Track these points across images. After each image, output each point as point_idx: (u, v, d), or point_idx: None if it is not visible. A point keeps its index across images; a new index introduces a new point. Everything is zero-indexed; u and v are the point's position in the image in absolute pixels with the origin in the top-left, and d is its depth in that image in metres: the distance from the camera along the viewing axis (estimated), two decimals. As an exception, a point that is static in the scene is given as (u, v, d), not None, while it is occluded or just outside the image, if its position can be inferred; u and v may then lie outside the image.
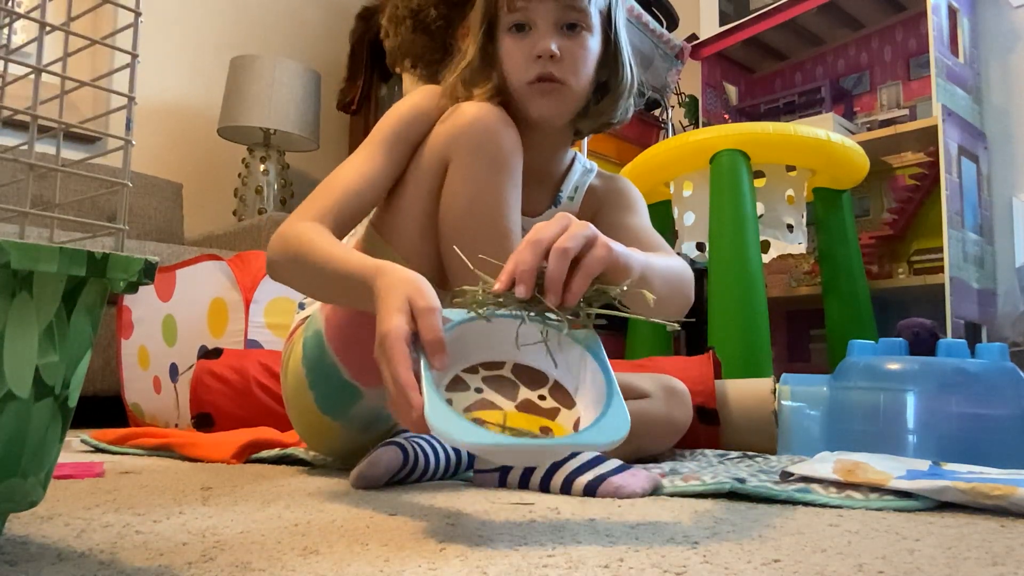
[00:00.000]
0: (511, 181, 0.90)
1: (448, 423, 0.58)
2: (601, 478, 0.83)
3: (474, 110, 0.89)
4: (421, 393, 0.60)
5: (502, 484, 0.89)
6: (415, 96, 0.95)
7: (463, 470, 0.98)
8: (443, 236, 0.89)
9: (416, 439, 0.94)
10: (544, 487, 0.86)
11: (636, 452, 1.08)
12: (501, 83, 0.95)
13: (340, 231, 0.85)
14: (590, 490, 0.83)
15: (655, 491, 0.84)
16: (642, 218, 1.05)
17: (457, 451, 0.97)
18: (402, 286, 0.66)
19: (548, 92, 0.92)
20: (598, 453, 0.87)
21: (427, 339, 0.63)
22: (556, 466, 0.85)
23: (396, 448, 0.88)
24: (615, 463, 0.85)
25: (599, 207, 1.06)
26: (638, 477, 0.83)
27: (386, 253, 0.88)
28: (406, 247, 0.91)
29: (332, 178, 0.89)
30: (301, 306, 1.04)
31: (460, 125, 0.88)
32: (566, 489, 0.85)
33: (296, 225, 0.83)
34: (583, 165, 1.08)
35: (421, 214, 0.90)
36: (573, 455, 0.86)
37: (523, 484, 0.88)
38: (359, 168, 0.89)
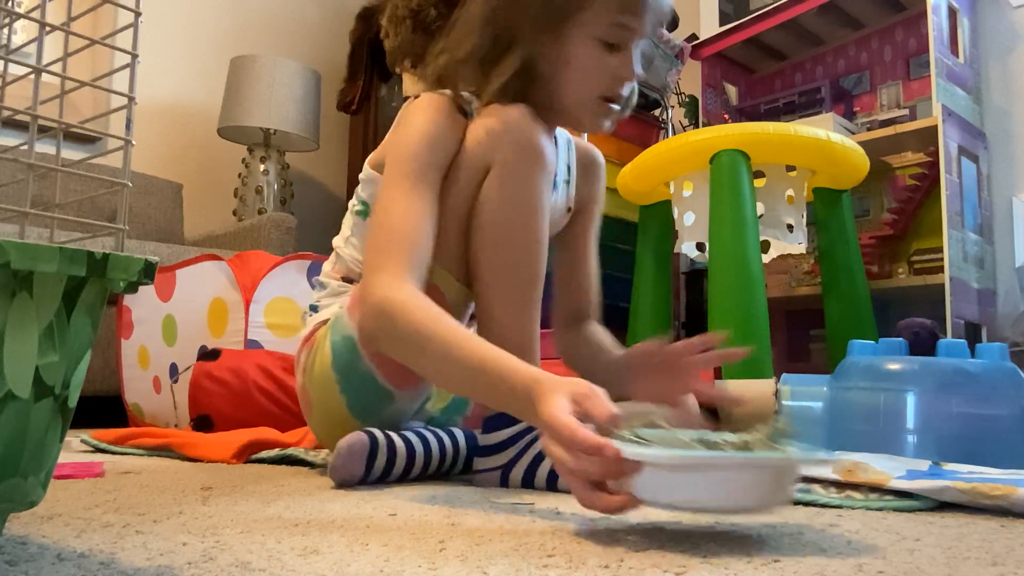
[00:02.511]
0: (548, 187, 0.90)
1: (653, 449, 0.56)
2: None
3: (515, 114, 0.87)
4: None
5: (504, 484, 0.89)
6: (429, 113, 0.90)
7: (459, 468, 0.98)
8: (475, 239, 0.88)
9: (406, 429, 0.94)
10: (551, 483, 0.86)
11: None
12: (526, 78, 0.90)
13: (422, 286, 0.81)
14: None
15: None
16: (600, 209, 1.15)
17: (453, 442, 0.97)
18: (565, 384, 0.63)
19: (609, 113, 0.93)
20: None
21: (602, 416, 0.59)
22: None
23: (359, 434, 0.88)
24: None
25: (582, 176, 1.12)
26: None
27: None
28: (446, 257, 0.89)
29: (391, 225, 0.83)
30: (313, 308, 1.03)
31: (502, 130, 0.86)
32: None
33: (391, 294, 0.78)
34: (565, 139, 1.09)
35: (462, 220, 0.89)
36: None
37: (526, 483, 0.88)
38: (413, 210, 0.84)
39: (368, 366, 0.92)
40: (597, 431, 0.58)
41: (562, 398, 0.61)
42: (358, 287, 0.95)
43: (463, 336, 0.74)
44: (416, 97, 0.96)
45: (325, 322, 0.98)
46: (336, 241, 1.06)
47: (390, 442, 0.90)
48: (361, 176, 1.04)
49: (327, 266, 1.06)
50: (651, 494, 0.56)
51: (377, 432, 0.89)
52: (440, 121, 0.89)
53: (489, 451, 0.89)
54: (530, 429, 0.88)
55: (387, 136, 1.00)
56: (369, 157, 1.03)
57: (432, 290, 0.88)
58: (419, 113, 0.91)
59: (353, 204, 1.05)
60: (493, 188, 0.87)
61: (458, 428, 1.02)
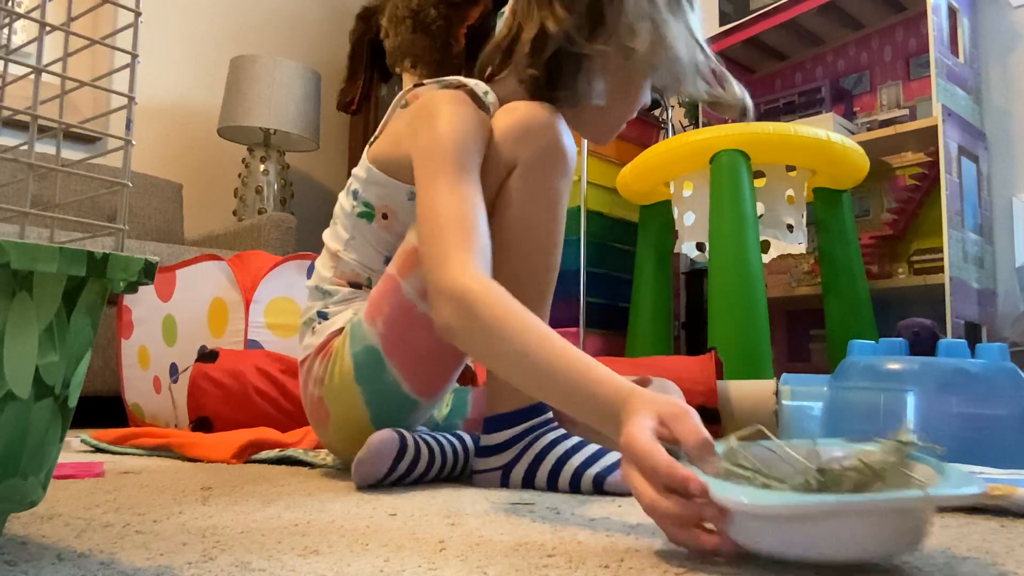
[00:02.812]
0: (568, 189, 0.90)
1: (747, 490, 0.49)
2: (609, 469, 0.84)
3: (544, 114, 0.86)
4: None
5: (504, 484, 0.89)
6: (457, 107, 0.87)
7: (467, 472, 0.98)
8: (495, 236, 0.84)
9: (418, 433, 0.94)
10: (551, 484, 0.86)
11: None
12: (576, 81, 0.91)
13: (490, 275, 0.77)
14: (599, 482, 0.83)
15: None
16: None
17: (463, 445, 0.97)
18: (654, 402, 0.58)
19: (617, 133, 1.00)
20: (603, 447, 0.87)
21: (691, 442, 0.54)
22: (564, 460, 0.85)
23: (390, 432, 0.87)
24: (618, 455, 0.85)
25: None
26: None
27: None
28: None
29: (445, 216, 0.78)
30: (322, 315, 0.99)
31: (530, 130, 0.86)
32: (575, 484, 0.84)
33: (469, 283, 0.73)
34: None
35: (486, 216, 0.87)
36: (576, 448, 0.86)
37: (527, 483, 0.87)
38: (464, 199, 0.80)
39: (394, 376, 0.90)
40: (688, 459, 0.53)
41: (647, 417, 0.56)
42: (377, 292, 0.92)
43: (549, 333, 0.69)
44: (413, 89, 0.95)
45: (340, 331, 0.95)
46: (332, 244, 1.01)
47: (417, 444, 0.90)
48: (359, 174, 0.99)
49: (326, 272, 1.00)
50: (751, 539, 0.49)
51: (406, 432, 0.89)
52: (471, 115, 0.87)
53: (490, 451, 0.89)
54: (531, 430, 0.88)
55: (387, 131, 0.98)
56: (369, 154, 0.99)
57: None
58: (446, 107, 0.87)
59: (353, 206, 0.99)
60: (516, 186, 0.87)
61: (461, 432, 1.01)
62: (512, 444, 0.88)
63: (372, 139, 1.01)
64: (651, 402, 0.58)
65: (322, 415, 0.96)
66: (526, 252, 0.87)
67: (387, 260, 0.97)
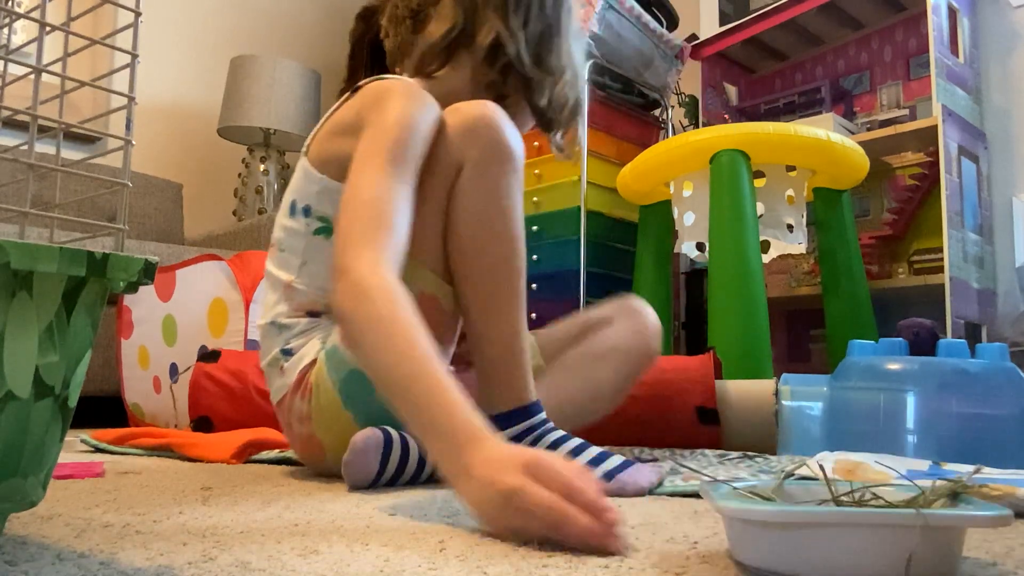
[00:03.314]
0: (520, 185, 0.89)
1: (744, 501, 0.50)
2: (609, 475, 0.83)
3: (485, 111, 0.86)
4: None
5: None
6: (407, 99, 0.88)
7: None
8: (451, 240, 0.87)
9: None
10: None
11: (596, 389, 1.05)
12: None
13: (400, 274, 0.77)
14: (607, 478, 0.82)
15: (660, 485, 0.84)
16: None
17: None
18: (518, 455, 0.59)
19: None
20: (605, 449, 0.87)
21: (589, 501, 0.55)
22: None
23: (373, 430, 0.86)
24: (620, 459, 0.85)
25: None
26: (643, 472, 0.84)
27: (416, 270, 0.85)
28: (426, 254, 0.88)
29: (370, 204, 0.79)
30: (287, 352, 0.95)
31: (472, 128, 0.86)
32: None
33: (379, 274, 0.73)
34: None
35: (440, 221, 0.88)
36: (582, 448, 0.85)
37: None
38: (392, 192, 0.80)
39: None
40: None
41: (520, 474, 0.57)
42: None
43: (426, 348, 0.68)
44: (372, 81, 0.94)
45: (313, 363, 0.92)
46: (282, 275, 0.96)
47: (404, 441, 0.88)
48: (308, 189, 0.95)
49: (280, 306, 0.96)
50: (746, 553, 0.49)
51: (390, 429, 0.88)
52: (419, 108, 0.87)
53: None
54: (531, 429, 0.87)
55: (331, 127, 0.96)
56: (314, 163, 0.96)
57: (429, 300, 0.86)
58: (397, 97, 0.87)
59: (307, 225, 0.94)
60: (464, 187, 0.86)
61: None
62: (514, 443, 0.87)
63: (306, 147, 0.98)
64: (518, 453, 0.59)
65: (316, 449, 0.94)
66: (480, 251, 0.87)
67: None
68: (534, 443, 0.86)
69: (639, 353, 1.09)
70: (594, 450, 0.86)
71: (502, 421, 0.87)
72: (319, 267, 0.95)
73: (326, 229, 0.94)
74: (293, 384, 0.93)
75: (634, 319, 1.10)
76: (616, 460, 0.84)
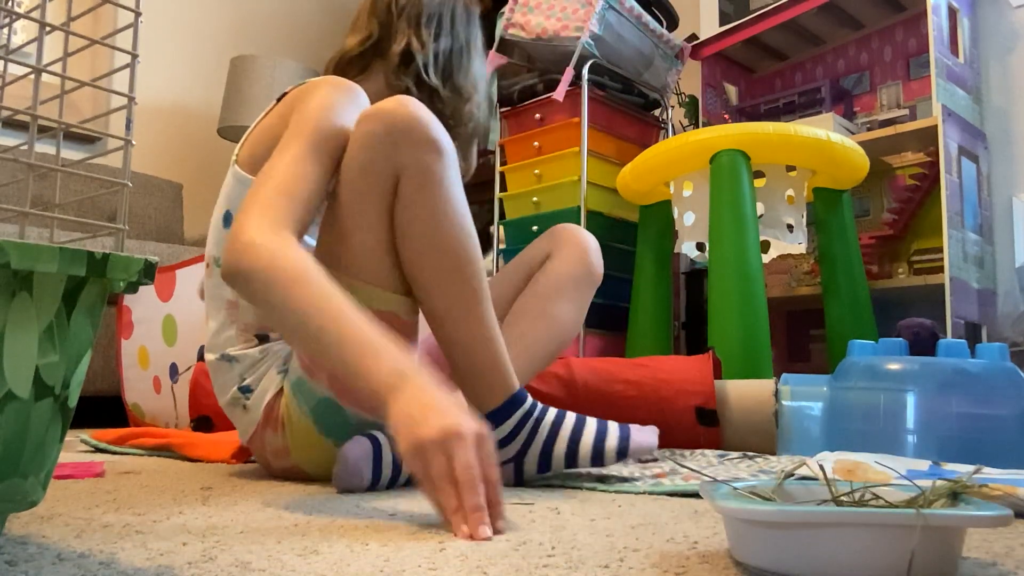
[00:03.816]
0: (459, 176, 0.87)
1: (743, 501, 0.50)
2: (624, 439, 0.86)
3: (402, 111, 0.81)
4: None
5: (518, 475, 0.89)
6: (333, 90, 0.89)
7: None
8: (407, 248, 0.84)
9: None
10: (570, 460, 0.87)
11: (559, 327, 1.06)
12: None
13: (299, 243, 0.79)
14: (623, 451, 0.86)
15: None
16: None
17: None
18: (436, 420, 0.64)
19: None
20: (602, 419, 0.91)
21: (470, 504, 0.61)
22: (576, 437, 0.87)
23: (362, 439, 0.86)
24: (617, 425, 0.89)
25: None
26: (645, 432, 0.88)
27: (356, 289, 0.82)
28: (382, 276, 0.86)
29: (280, 178, 0.80)
30: (245, 390, 0.94)
31: (398, 132, 0.82)
32: (597, 455, 0.86)
33: (271, 236, 0.75)
34: None
35: (386, 232, 0.85)
36: (582, 423, 0.89)
37: (542, 467, 0.88)
38: (304, 170, 0.82)
39: (355, 414, 0.89)
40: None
41: (467, 418, 0.65)
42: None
43: (341, 301, 0.71)
44: (299, 86, 0.96)
45: (278, 394, 0.92)
46: (223, 292, 0.95)
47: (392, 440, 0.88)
48: (237, 185, 0.95)
49: (225, 331, 0.95)
50: (745, 552, 0.50)
51: (378, 434, 0.88)
52: (344, 100, 0.89)
53: (497, 446, 0.85)
54: (528, 415, 0.87)
55: (257, 132, 0.96)
56: (241, 161, 0.96)
57: (386, 316, 0.84)
58: (324, 89, 0.90)
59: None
60: (409, 198, 0.83)
61: None
62: (516, 434, 0.88)
63: (235, 155, 0.98)
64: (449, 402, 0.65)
65: (301, 478, 0.95)
66: (442, 255, 0.84)
67: None
68: (537, 426, 0.87)
69: (587, 280, 1.10)
70: (593, 421, 0.89)
71: (495, 417, 0.87)
72: None
73: None
74: (261, 420, 0.93)
75: (572, 247, 1.09)
76: (615, 426, 0.88)
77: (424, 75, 1.01)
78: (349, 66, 1.05)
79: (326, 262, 0.81)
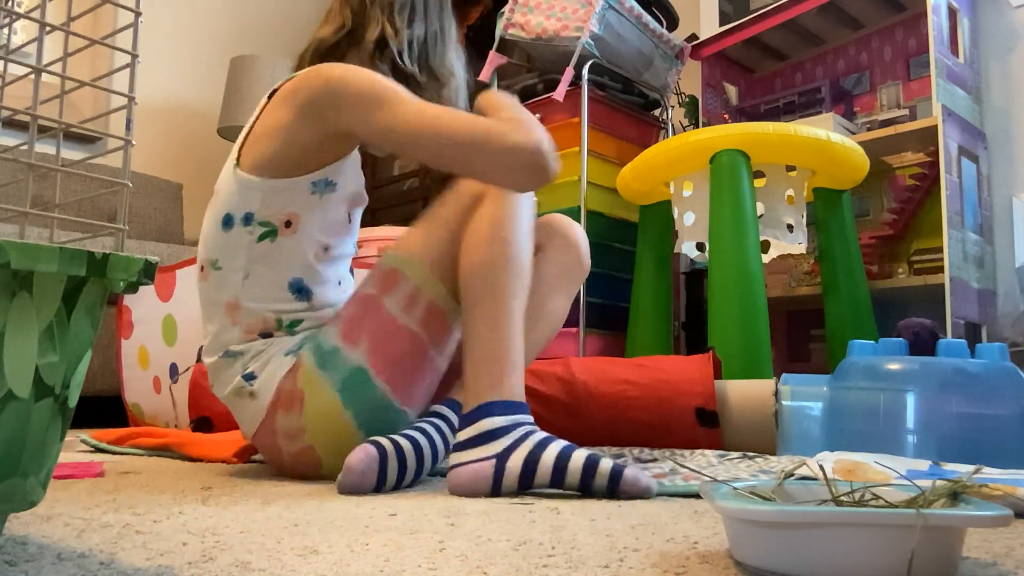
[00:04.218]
0: (532, 206, 0.98)
1: (742, 501, 0.50)
2: (620, 465, 0.82)
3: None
4: None
5: (499, 474, 0.83)
6: (365, 70, 0.96)
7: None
8: (465, 264, 0.93)
9: (427, 421, 0.94)
10: (557, 477, 0.82)
11: (555, 319, 1.08)
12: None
13: None
14: (616, 473, 0.81)
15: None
16: None
17: (448, 424, 0.96)
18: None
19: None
20: (593, 451, 0.87)
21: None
22: (567, 455, 0.83)
23: (368, 446, 0.86)
24: (610, 460, 0.85)
25: None
26: (645, 474, 0.84)
27: (434, 282, 0.93)
28: (446, 276, 0.94)
29: (455, 113, 0.91)
30: (250, 377, 0.94)
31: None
32: (588, 473, 0.81)
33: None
34: None
35: (457, 239, 0.94)
36: (572, 448, 0.84)
37: (525, 476, 0.82)
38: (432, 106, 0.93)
39: (383, 391, 0.92)
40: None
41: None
42: (352, 315, 0.94)
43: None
44: (286, 82, 1.01)
45: (289, 375, 0.92)
46: (224, 296, 0.95)
47: (398, 447, 0.88)
48: (248, 195, 0.95)
49: (229, 333, 0.95)
50: (745, 552, 0.50)
51: (382, 440, 0.88)
52: (359, 70, 0.95)
53: (476, 442, 0.84)
54: (519, 424, 0.85)
55: (263, 129, 0.97)
56: (245, 165, 0.97)
57: (437, 312, 0.93)
58: (338, 66, 0.96)
59: (249, 233, 0.94)
60: (482, 215, 0.93)
61: (437, 408, 0.98)
62: (503, 433, 0.84)
63: (235, 160, 0.99)
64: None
65: (312, 462, 0.95)
66: (486, 281, 0.91)
67: (294, 285, 0.95)
68: (526, 436, 0.84)
69: (577, 270, 1.12)
70: (585, 450, 0.85)
71: (487, 409, 0.85)
72: (264, 277, 0.95)
73: (270, 232, 0.95)
74: (272, 402, 0.93)
75: (562, 238, 1.11)
76: (608, 461, 0.83)
77: (399, 61, 1.03)
78: (326, 56, 1.06)
79: (406, 237, 0.96)
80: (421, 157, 0.93)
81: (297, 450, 0.94)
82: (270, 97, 1.00)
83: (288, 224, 0.95)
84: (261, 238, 0.95)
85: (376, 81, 0.92)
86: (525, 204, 0.96)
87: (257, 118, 1.00)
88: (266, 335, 0.95)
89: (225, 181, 0.99)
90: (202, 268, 0.98)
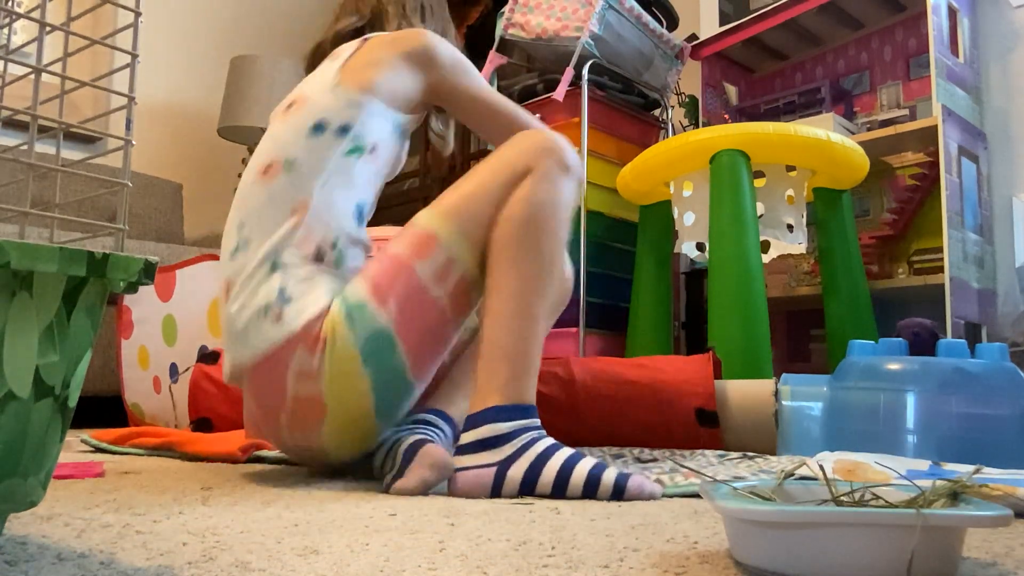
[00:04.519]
0: (571, 203, 0.97)
1: (742, 501, 0.50)
2: (624, 475, 0.81)
3: (560, 138, 0.96)
4: None
5: (498, 484, 0.82)
6: (439, 39, 1.05)
7: None
8: (498, 232, 0.91)
9: (424, 429, 0.94)
10: (558, 488, 0.81)
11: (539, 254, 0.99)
12: None
13: None
14: (620, 484, 0.81)
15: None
16: None
17: (452, 428, 0.97)
18: None
19: None
20: (599, 460, 0.86)
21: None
22: (571, 464, 0.82)
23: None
24: (615, 468, 0.84)
25: None
26: (649, 482, 0.83)
27: (466, 248, 0.92)
28: (478, 242, 0.92)
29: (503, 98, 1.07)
30: (285, 298, 0.89)
31: (555, 145, 0.95)
32: (592, 485, 0.81)
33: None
34: None
35: (496, 209, 0.92)
36: (578, 456, 0.83)
37: (527, 485, 0.82)
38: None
39: (402, 359, 0.89)
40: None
41: None
42: (383, 274, 0.90)
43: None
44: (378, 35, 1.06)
45: (320, 317, 0.88)
46: (294, 196, 0.93)
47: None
48: (352, 106, 0.97)
49: (283, 239, 0.92)
50: (745, 551, 0.50)
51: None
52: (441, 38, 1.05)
53: (478, 447, 0.84)
54: (525, 430, 0.85)
55: (363, 61, 1.00)
56: (349, 83, 0.98)
57: (465, 285, 0.91)
58: (434, 38, 1.03)
59: (338, 143, 0.95)
60: (524, 193, 0.91)
61: (427, 416, 0.98)
62: (507, 440, 0.83)
63: (337, 78, 0.99)
64: None
65: (315, 413, 0.89)
66: (516, 257, 0.92)
67: (359, 209, 0.96)
68: (531, 444, 0.83)
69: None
70: (592, 458, 0.84)
71: (494, 414, 0.84)
72: (339, 190, 0.95)
73: (359, 151, 0.97)
74: (297, 334, 0.88)
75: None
76: (612, 471, 0.82)
77: None
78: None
79: (444, 202, 0.94)
80: (483, 123, 1.06)
81: (305, 394, 0.88)
82: (364, 41, 1.05)
83: (373, 150, 0.98)
84: (349, 152, 0.96)
85: (459, 53, 1.04)
86: (568, 191, 0.94)
87: (357, 53, 1.03)
88: (318, 257, 0.92)
89: (320, 93, 0.99)
90: (270, 167, 0.96)
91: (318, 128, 0.96)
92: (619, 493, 0.81)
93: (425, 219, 0.93)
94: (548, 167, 0.92)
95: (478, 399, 0.87)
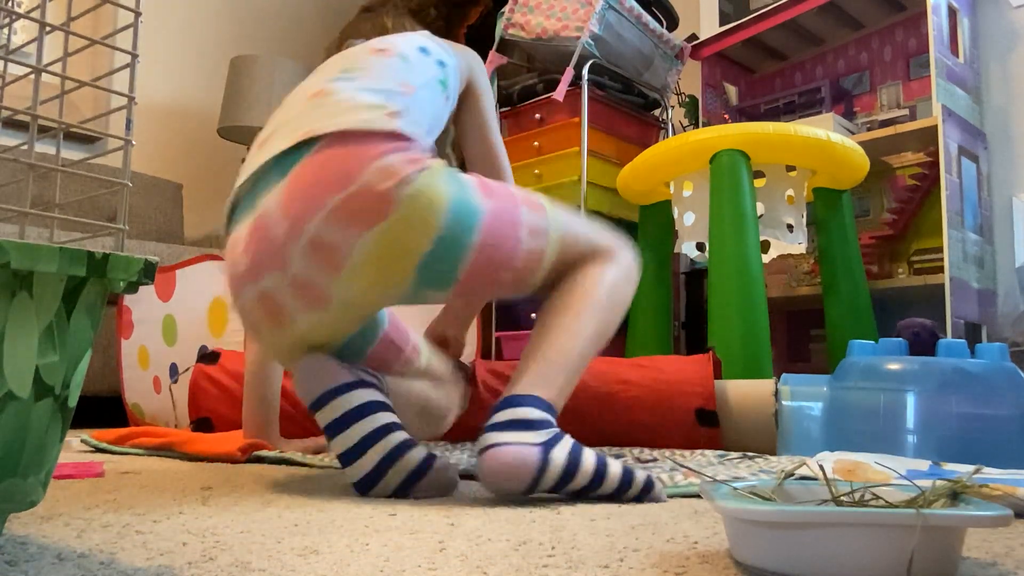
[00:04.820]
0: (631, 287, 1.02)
1: (742, 501, 0.51)
2: (652, 478, 0.81)
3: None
4: None
5: (544, 460, 0.76)
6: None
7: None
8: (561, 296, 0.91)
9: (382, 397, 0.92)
10: (596, 481, 0.78)
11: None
12: None
13: None
14: (649, 483, 0.80)
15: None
16: None
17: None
18: None
19: None
20: (627, 464, 0.84)
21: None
22: (604, 463, 0.79)
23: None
24: (644, 472, 0.83)
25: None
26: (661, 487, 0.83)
27: (553, 230, 0.91)
28: (555, 262, 0.93)
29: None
30: (400, 109, 0.90)
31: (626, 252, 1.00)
32: (627, 476, 0.79)
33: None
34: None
35: (576, 259, 0.94)
36: (603, 463, 0.80)
37: (572, 461, 0.77)
38: None
39: (470, 248, 0.82)
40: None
41: None
42: (525, 196, 0.90)
43: None
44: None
45: (429, 153, 0.85)
46: (402, 75, 0.92)
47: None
48: (447, 55, 1.03)
49: (396, 87, 0.90)
50: (745, 551, 0.50)
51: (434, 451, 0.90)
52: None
53: (524, 426, 0.77)
54: (553, 425, 0.80)
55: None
56: (424, 39, 1.04)
57: (539, 259, 0.90)
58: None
59: (431, 69, 0.99)
60: (622, 262, 0.96)
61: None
62: (542, 427, 0.78)
63: (429, 40, 1.04)
64: None
65: (371, 213, 0.79)
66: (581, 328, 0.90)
67: (431, 131, 0.94)
68: (557, 438, 0.78)
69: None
70: (617, 463, 0.81)
71: (544, 404, 0.81)
72: (428, 105, 0.94)
73: (444, 85, 1.00)
74: (405, 137, 0.83)
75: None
76: (643, 473, 0.81)
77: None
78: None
79: (563, 211, 0.94)
80: (478, 145, 1.14)
81: (379, 188, 0.79)
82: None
83: (447, 99, 1.01)
84: (440, 82, 0.99)
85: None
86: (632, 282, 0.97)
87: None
88: (400, 135, 0.86)
89: (416, 35, 1.06)
90: (384, 50, 0.96)
91: (424, 50, 1.00)
92: (647, 491, 0.80)
93: (543, 197, 0.92)
94: (632, 264, 0.98)
95: (525, 384, 0.82)
